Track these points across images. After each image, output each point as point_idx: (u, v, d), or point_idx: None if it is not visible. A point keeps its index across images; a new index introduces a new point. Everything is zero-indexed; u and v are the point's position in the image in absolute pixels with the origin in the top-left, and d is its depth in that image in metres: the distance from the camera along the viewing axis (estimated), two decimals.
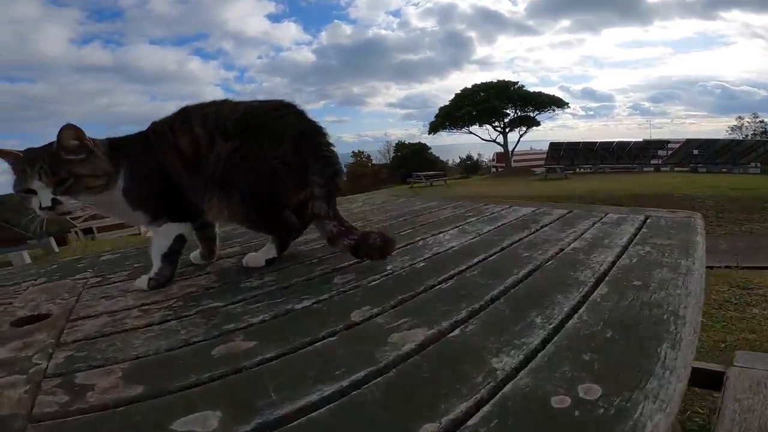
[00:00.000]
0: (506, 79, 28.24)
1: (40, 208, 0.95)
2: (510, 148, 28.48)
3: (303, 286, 0.99)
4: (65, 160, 0.96)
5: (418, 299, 0.84)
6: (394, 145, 36.10)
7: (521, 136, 29.00)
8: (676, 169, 22.72)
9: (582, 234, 1.31)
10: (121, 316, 0.89)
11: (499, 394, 0.51)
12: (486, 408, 0.49)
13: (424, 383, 0.55)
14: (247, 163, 1.04)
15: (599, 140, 25.40)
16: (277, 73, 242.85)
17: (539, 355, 0.60)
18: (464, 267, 1.03)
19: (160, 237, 1.08)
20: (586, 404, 0.48)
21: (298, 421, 0.49)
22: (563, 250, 1.14)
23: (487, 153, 34.61)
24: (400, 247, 1.23)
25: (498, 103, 26.50)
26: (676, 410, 0.47)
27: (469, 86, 28.44)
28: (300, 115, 1.12)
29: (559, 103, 27.49)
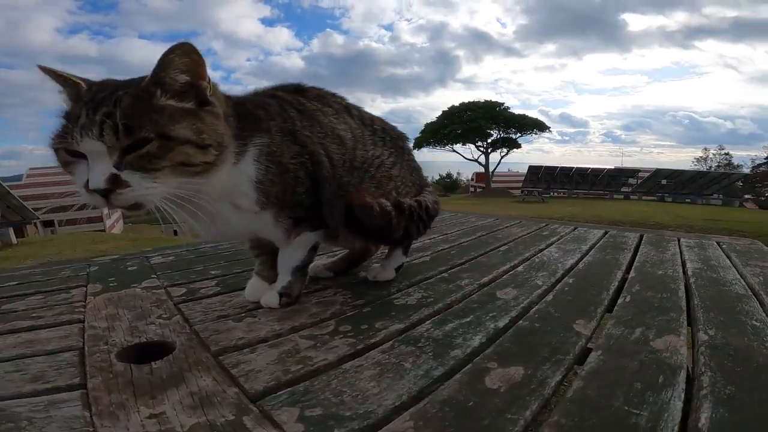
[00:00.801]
0: (492, 100, 29.09)
1: (87, 188, 0.61)
2: (490, 168, 29.23)
3: (462, 299, 1.00)
4: (157, 106, 0.64)
5: None
6: None
7: (502, 157, 29.86)
8: (644, 198, 24.03)
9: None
10: (289, 347, 0.72)
11: None
12: None
13: None
14: (391, 172, 0.98)
15: (575, 165, 26.56)
16: (265, 76, 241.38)
17: None
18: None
19: (295, 247, 0.88)
20: None
21: None
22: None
23: (465, 172, 35.36)
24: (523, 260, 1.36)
25: (484, 123, 27.22)
26: None
27: (457, 104, 29.11)
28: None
29: (542, 127, 28.53)
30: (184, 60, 0.64)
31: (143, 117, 0.62)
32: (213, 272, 1.19)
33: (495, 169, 29.79)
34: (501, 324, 0.85)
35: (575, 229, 2.14)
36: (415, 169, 1.08)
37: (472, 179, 32.43)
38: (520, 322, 0.88)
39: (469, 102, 28.91)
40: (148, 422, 0.49)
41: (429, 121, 29.58)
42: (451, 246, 1.62)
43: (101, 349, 0.67)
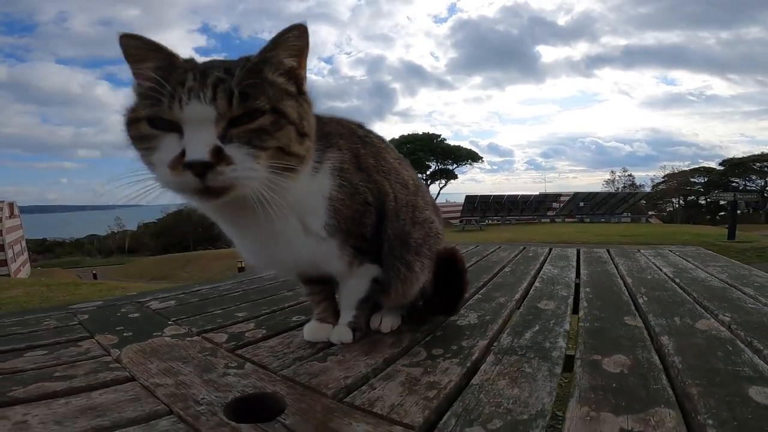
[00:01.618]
0: (429, 132, 30.83)
1: (176, 164, 0.53)
2: None
3: (512, 313, 1.05)
4: (270, 80, 0.60)
5: None
6: None
7: (441, 188, 31.41)
8: (567, 220, 26.56)
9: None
10: (403, 378, 0.69)
11: None
12: None
13: None
14: (438, 228, 0.93)
15: (507, 193, 28.75)
16: None
17: None
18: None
19: (358, 278, 0.82)
20: None
21: None
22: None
23: None
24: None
25: (423, 155, 28.61)
26: None
27: (396, 137, 30.38)
28: None
29: (475, 157, 30.70)
30: (296, 43, 0.61)
31: (258, 87, 0.57)
32: (239, 314, 1.08)
33: (435, 200, 31.14)
34: (567, 327, 0.95)
35: (551, 249, 2.32)
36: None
37: None
38: (581, 323, 0.99)
39: (408, 134, 30.37)
40: None
41: None
42: None
43: (200, 410, 0.56)
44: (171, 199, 0.59)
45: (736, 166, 35.35)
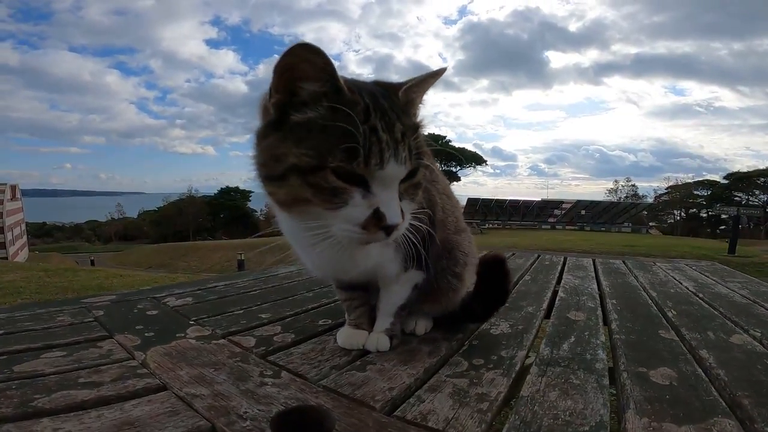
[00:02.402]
0: (434, 133, 30.80)
1: (383, 226, 0.52)
2: None
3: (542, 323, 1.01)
4: (419, 126, 0.58)
5: None
6: None
7: None
8: (567, 227, 26.56)
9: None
10: (451, 389, 0.66)
11: None
12: None
13: None
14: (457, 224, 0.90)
15: (509, 198, 28.75)
16: (204, 99, 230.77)
17: None
18: None
19: (401, 284, 0.79)
20: None
21: None
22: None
23: None
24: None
25: None
26: None
27: None
28: None
29: (479, 160, 30.64)
30: (432, 84, 0.60)
31: (420, 138, 0.56)
32: (262, 316, 1.04)
33: None
34: (602, 339, 0.95)
35: (566, 258, 2.29)
36: None
37: None
38: (616, 336, 0.98)
39: None
40: None
41: None
42: None
43: (246, 426, 0.53)
44: None
45: (741, 180, 35.30)
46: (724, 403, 0.64)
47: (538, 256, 2.38)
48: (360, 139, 0.50)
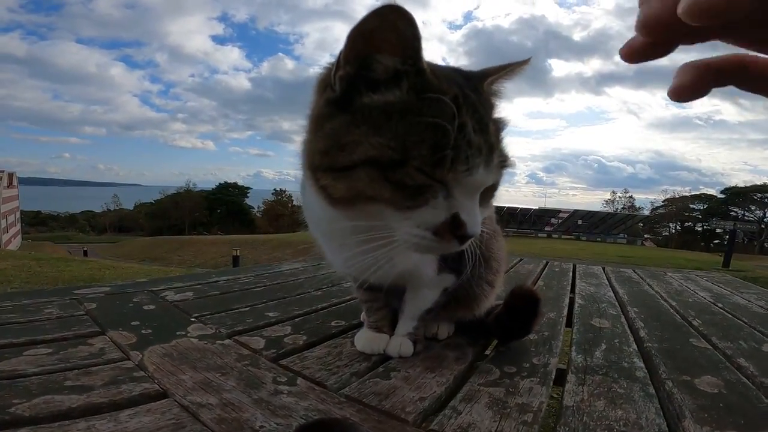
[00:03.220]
0: None
1: (460, 235, 0.46)
2: None
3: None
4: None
5: None
6: None
7: None
8: (563, 236, 26.63)
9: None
10: (488, 399, 0.61)
11: None
12: None
13: None
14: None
15: (506, 205, 28.74)
16: (207, 94, 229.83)
17: None
18: None
19: (431, 287, 0.73)
20: None
21: None
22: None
23: None
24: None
25: None
26: None
27: None
28: None
29: None
30: (518, 74, 0.55)
31: (503, 141, 0.49)
32: (269, 314, 0.97)
33: None
34: (635, 347, 0.91)
35: (576, 265, 2.24)
36: None
37: None
38: (648, 344, 0.93)
39: None
40: None
41: None
42: None
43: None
44: None
45: (737, 195, 35.50)
46: None
47: (547, 262, 2.32)
48: (451, 138, 0.42)
